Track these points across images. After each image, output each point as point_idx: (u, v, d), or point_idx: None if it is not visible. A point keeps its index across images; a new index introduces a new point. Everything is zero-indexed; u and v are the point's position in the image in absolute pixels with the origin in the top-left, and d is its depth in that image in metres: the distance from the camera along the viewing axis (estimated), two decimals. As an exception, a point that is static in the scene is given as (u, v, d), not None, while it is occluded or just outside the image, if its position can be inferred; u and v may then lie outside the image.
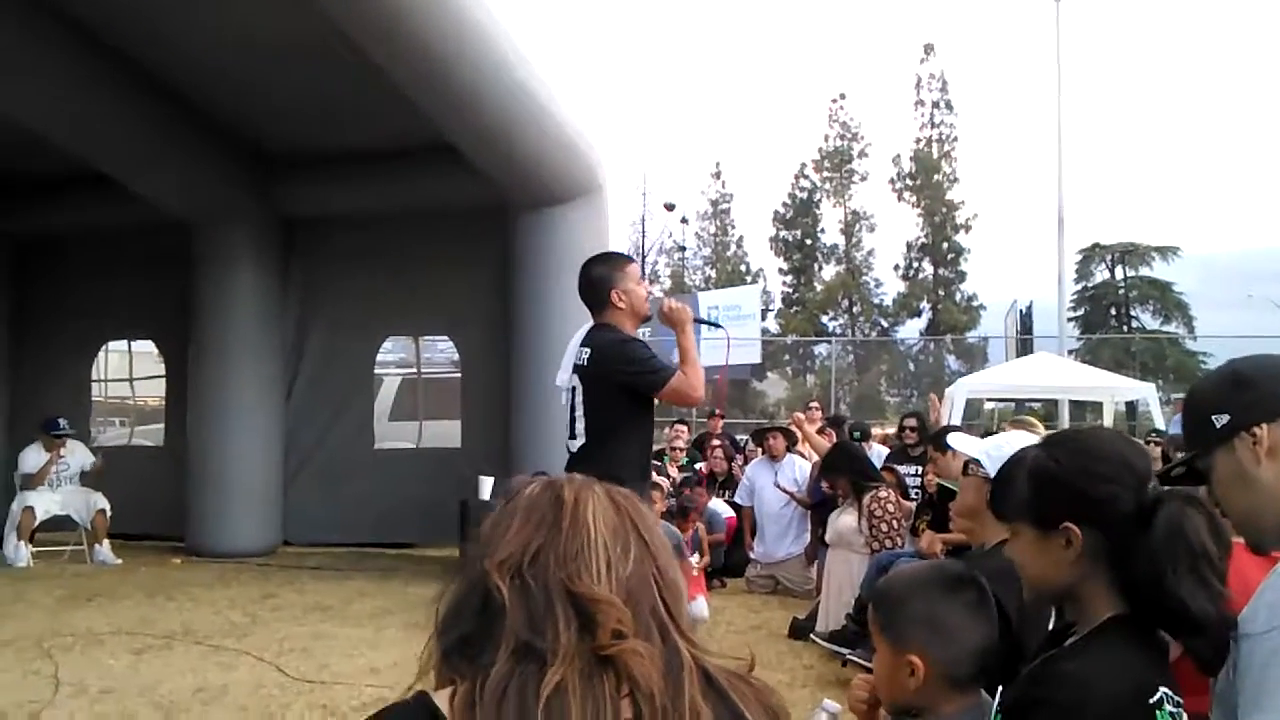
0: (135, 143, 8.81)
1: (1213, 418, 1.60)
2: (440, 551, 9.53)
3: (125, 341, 11.72)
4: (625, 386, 3.76)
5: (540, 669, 0.97)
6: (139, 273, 10.71)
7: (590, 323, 4.01)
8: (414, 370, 12.01)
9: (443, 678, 1.04)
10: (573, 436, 3.83)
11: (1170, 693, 1.49)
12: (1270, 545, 1.60)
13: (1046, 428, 8.50)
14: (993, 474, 2.61)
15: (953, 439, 2.95)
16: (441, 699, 1.00)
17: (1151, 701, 1.46)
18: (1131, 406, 18.85)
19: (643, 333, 4.35)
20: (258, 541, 9.84)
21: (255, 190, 9.94)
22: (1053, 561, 1.59)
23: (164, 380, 11.16)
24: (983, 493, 2.71)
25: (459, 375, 10.54)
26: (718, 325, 5.06)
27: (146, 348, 11.68)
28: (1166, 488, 1.57)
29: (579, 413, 3.82)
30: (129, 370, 11.77)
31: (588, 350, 3.85)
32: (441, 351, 13.85)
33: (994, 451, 2.69)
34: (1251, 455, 1.54)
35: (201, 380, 9.85)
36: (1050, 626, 2.17)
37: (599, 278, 3.93)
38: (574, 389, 3.86)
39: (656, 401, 3.87)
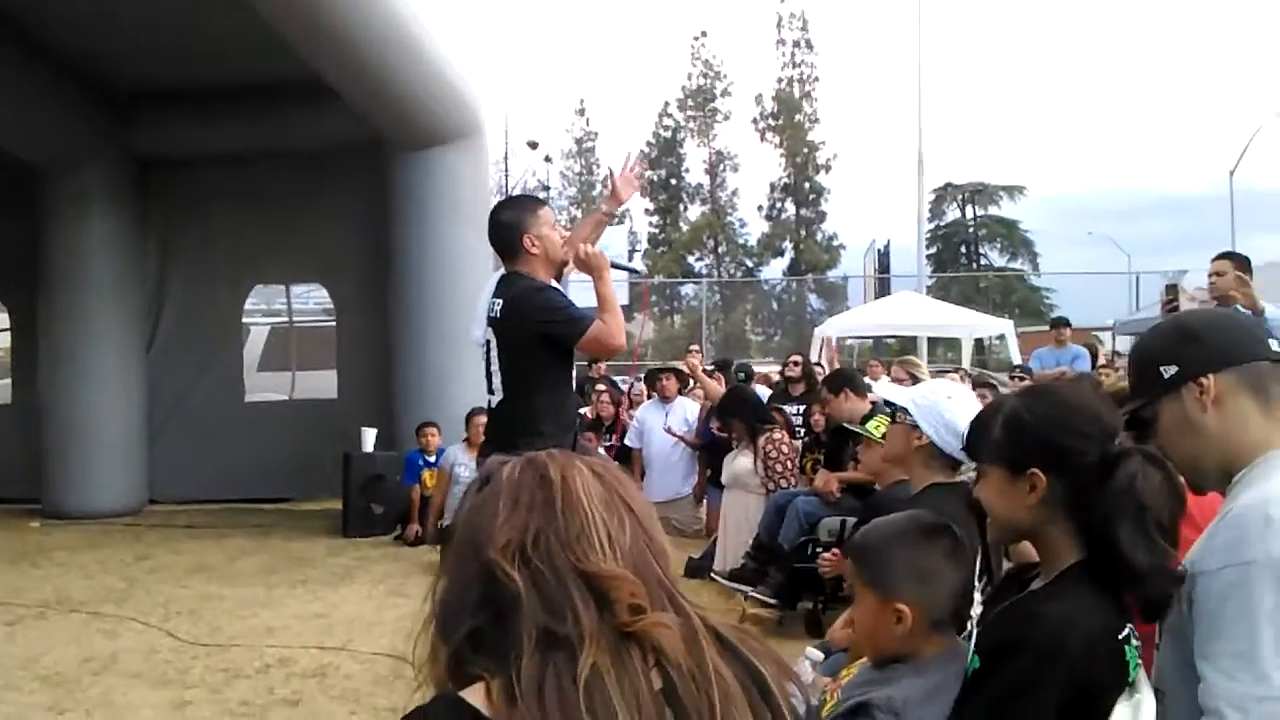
0: (-29, 78, 8.15)
1: (1161, 369, 1.72)
2: (319, 505, 9.35)
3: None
4: (542, 337, 3.65)
5: (570, 655, 0.97)
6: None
7: (500, 271, 3.92)
8: (285, 319, 11.62)
9: (459, 676, 1.02)
10: (491, 392, 3.75)
11: (1133, 629, 1.62)
12: (1210, 487, 1.75)
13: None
14: (920, 422, 2.74)
15: (880, 388, 3.06)
16: (474, 696, 0.98)
17: (1120, 638, 1.59)
18: (980, 343, 19.79)
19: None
20: (123, 500, 9.44)
21: (108, 130, 9.36)
22: (1017, 504, 1.69)
23: (8, 334, 10.49)
24: (909, 439, 2.81)
25: (333, 323, 10.26)
26: (636, 271, 5.00)
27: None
28: (1132, 446, 1.67)
29: (495, 367, 3.72)
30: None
31: (500, 301, 3.72)
32: (306, 297, 13.42)
33: (920, 400, 2.79)
34: (1198, 404, 1.67)
35: (54, 333, 9.30)
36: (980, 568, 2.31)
37: (509, 223, 3.78)
38: (488, 342, 3.77)
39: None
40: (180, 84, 9.14)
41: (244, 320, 10.88)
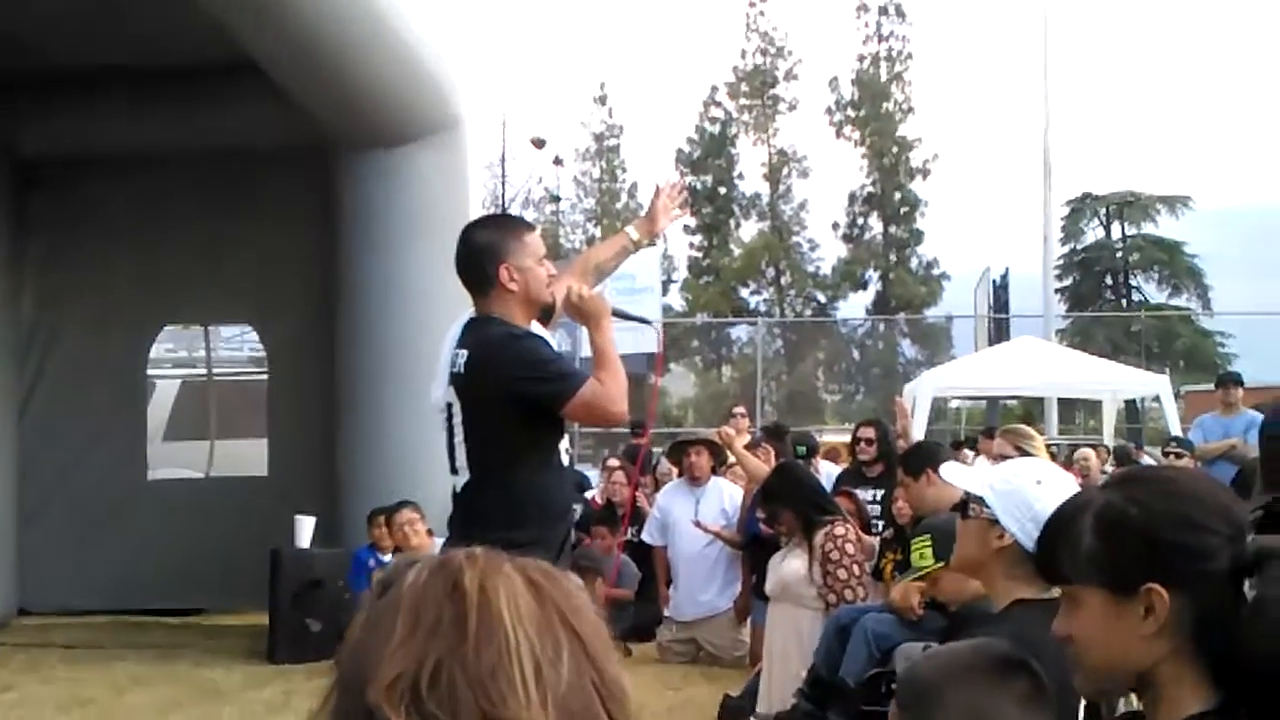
0: None
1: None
2: (242, 619, 9.42)
3: None
4: (520, 399, 3.68)
5: None
6: None
7: (468, 313, 3.96)
8: (202, 371, 11.80)
9: None
10: (454, 471, 3.79)
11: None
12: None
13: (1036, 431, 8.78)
14: (1001, 515, 2.75)
15: (945, 470, 3.05)
16: None
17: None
18: (1132, 406, 19.62)
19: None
20: (-19, 611, 9.54)
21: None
22: (1130, 636, 1.63)
23: None
24: (988, 540, 2.80)
25: (265, 377, 10.38)
26: (646, 322, 5.03)
27: None
28: (1267, 544, 1.63)
29: (458, 438, 3.75)
30: None
31: (464, 352, 3.75)
32: (232, 342, 13.57)
33: (1000, 485, 2.79)
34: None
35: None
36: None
37: (484, 247, 3.83)
38: (450, 406, 3.80)
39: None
40: (70, 65, 9.36)
41: (148, 372, 11.02)
